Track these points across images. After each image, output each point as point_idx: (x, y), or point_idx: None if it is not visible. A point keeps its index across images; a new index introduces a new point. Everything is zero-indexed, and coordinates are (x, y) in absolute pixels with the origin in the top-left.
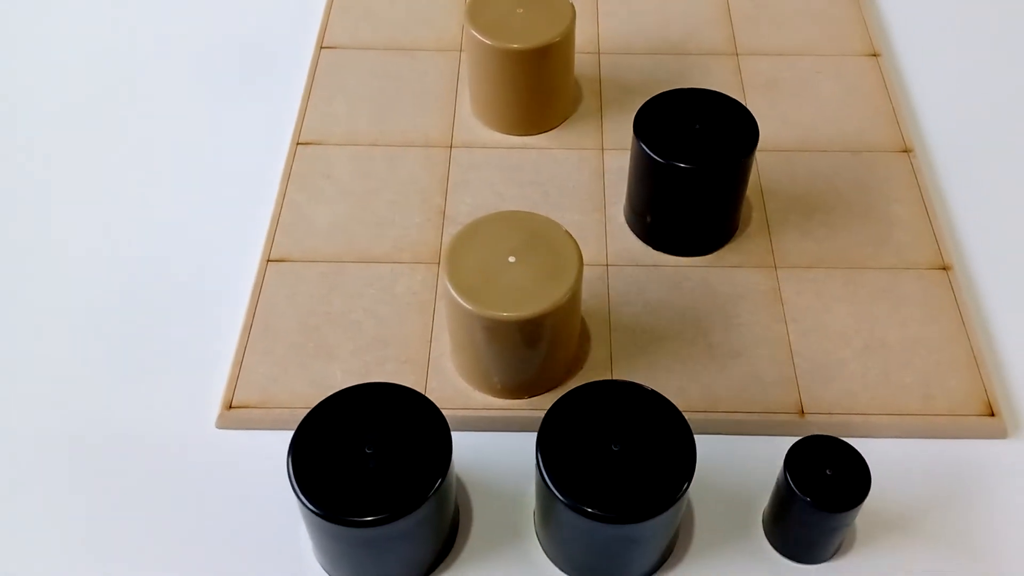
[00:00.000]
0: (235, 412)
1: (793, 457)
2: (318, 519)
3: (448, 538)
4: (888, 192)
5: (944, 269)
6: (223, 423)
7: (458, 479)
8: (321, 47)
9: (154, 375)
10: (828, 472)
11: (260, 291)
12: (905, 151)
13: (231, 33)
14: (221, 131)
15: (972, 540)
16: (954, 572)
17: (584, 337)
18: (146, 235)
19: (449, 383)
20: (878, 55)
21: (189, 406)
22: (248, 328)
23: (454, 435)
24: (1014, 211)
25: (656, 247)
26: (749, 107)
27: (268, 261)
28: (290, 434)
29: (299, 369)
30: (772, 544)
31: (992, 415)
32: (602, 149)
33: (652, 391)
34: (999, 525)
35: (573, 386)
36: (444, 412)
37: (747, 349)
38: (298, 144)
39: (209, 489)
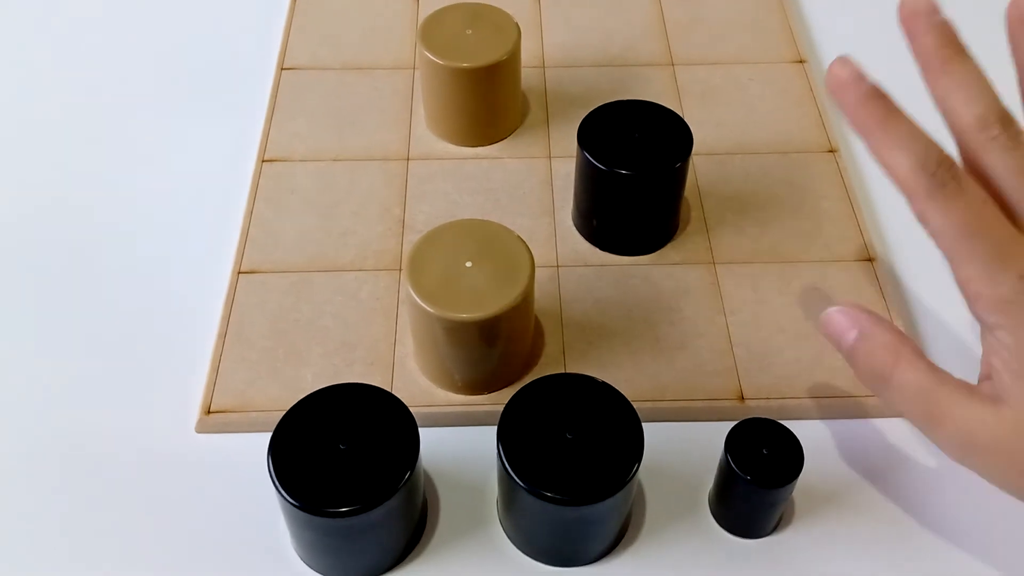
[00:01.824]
0: (213, 416)
1: (733, 439)
2: (297, 512)
3: (418, 527)
4: (816, 190)
5: (869, 260)
6: (202, 427)
7: (425, 472)
8: (282, 68)
9: (134, 383)
10: (765, 452)
11: (232, 302)
12: (831, 151)
13: (195, 57)
14: (189, 151)
15: (897, 510)
16: (882, 540)
17: (538, 334)
18: (121, 251)
19: (413, 382)
20: (805, 61)
21: (169, 412)
22: (223, 337)
23: (420, 431)
24: None
25: (603, 248)
26: (685, 114)
27: (239, 273)
28: (266, 435)
29: (272, 373)
30: (717, 521)
31: None
32: (549, 157)
33: (603, 383)
34: (921, 496)
35: (529, 380)
36: (410, 409)
37: (690, 341)
38: (263, 161)
39: (192, 490)
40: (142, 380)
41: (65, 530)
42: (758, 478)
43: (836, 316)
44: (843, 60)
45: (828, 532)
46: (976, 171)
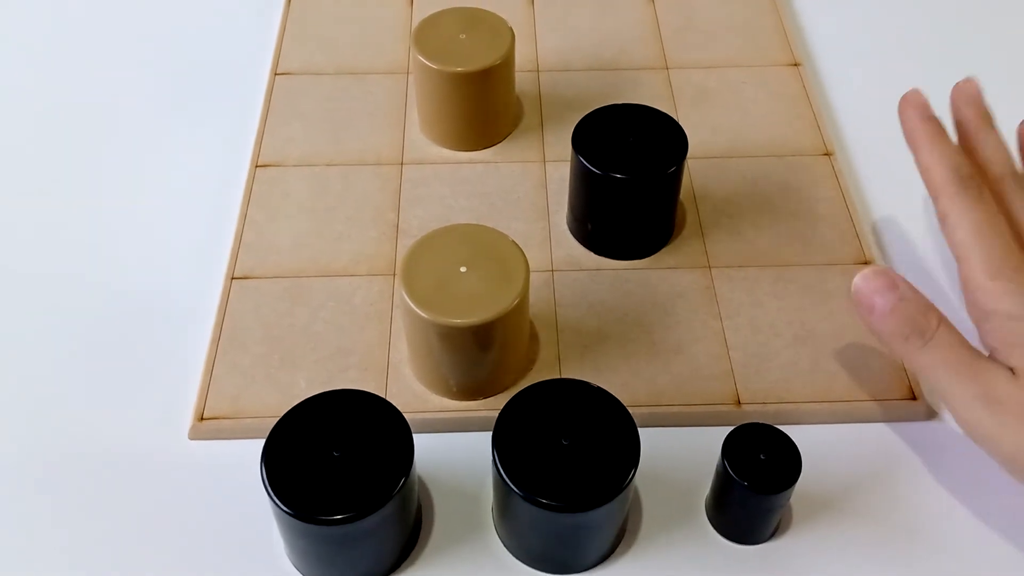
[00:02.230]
0: (206, 423)
1: (729, 445)
2: (291, 519)
3: (412, 534)
4: (812, 193)
5: (866, 264)
6: (195, 434)
7: (419, 479)
8: (275, 74)
9: (126, 389)
10: (762, 457)
11: (226, 307)
12: (826, 154)
13: (188, 62)
14: (182, 156)
15: (896, 515)
16: (880, 546)
17: (533, 339)
18: (114, 257)
19: (408, 388)
20: (799, 64)
21: (162, 419)
22: (216, 343)
23: (414, 437)
24: (928, 208)
25: (597, 252)
26: (680, 117)
27: (232, 278)
28: (259, 442)
29: (266, 380)
30: (714, 527)
31: (914, 399)
32: (544, 161)
33: (598, 388)
34: (920, 501)
35: (524, 386)
36: (404, 415)
37: (686, 345)
38: (257, 166)
39: (184, 497)
40: (135, 386)
41: (56, 538)
42: (755, 484)
43: (870, 281)
44: (915, 91)
45: (826, 538)
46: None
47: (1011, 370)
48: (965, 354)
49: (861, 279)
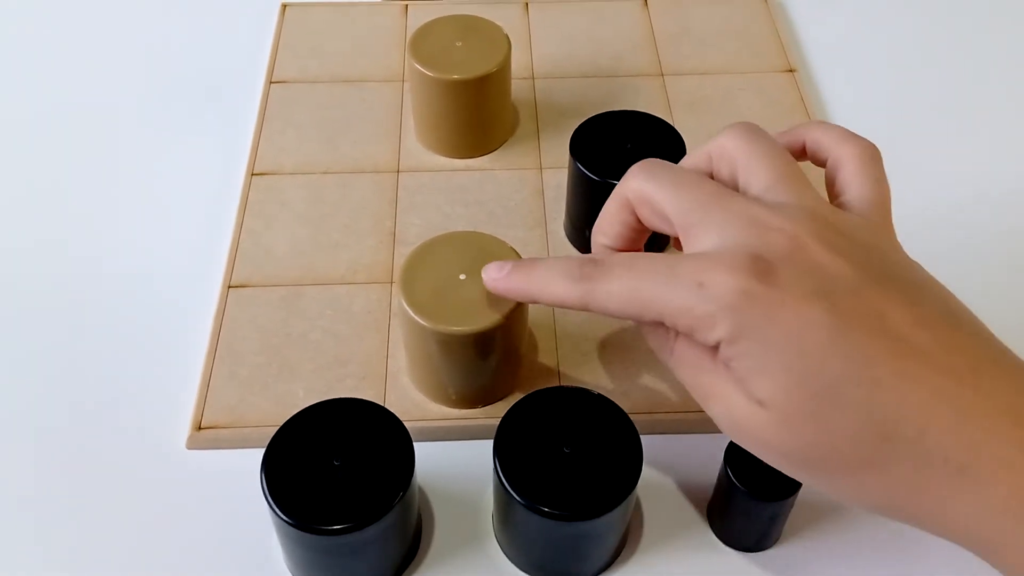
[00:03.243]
0: (204, 433)
1: (732, 452)
2: (290, 529)
3: (412, 544)
4: None
5: None
6: (193, 444)
7: (419, 487)
8: (271, 82)
9: (123, 399)
10: (765, 465)
11: (223, 316)
12: None
13: (183, 71)
14: (178, 165)
15: (900, 524)
16: (884, 553)
17: (532, 347)
18: (110, 265)
19: (407, 397)
20: (795, 71)
21: (159, 428)
22: (213, 352)
23: (414, 445)
24: (925, 214)
25: None
26: (676, 124)
27: (229, 287)
28: (257, 451)
29: (263, 389)
30: (717, 534)
31: None
32: (540, 168)
33: (599, 395)
34: None
35: (524, 394)
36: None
37: None
38: (253, 175)
39: (182, 507)
40: (132, 395)
41: (54, 548)
42: (758, 491)
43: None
44: (491, 266)
45: (830, 545)
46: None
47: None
48: (713, 372)
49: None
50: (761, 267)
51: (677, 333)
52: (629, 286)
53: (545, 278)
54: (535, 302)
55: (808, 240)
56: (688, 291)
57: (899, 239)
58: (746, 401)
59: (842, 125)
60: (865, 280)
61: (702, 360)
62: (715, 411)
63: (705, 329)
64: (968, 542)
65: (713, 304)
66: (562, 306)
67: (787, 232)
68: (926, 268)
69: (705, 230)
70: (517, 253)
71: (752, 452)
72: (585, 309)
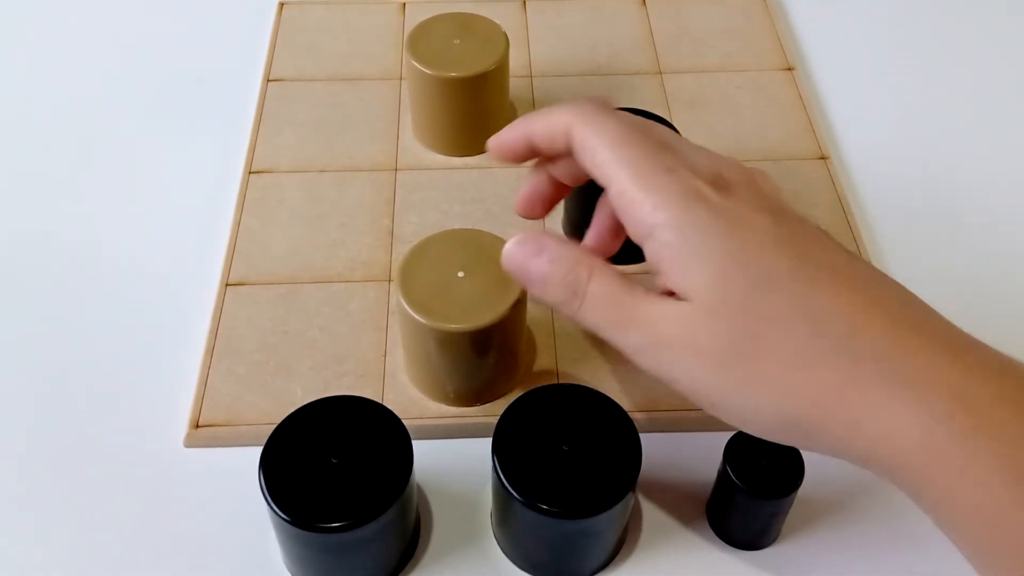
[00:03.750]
0: (202, 431)
1: (732, 449)
2: (288, 527)
3: (411, 542)
4: (808, 197)
5: None
6: (191, 442)
7: (417, 485)
8: (268, 80)
9: (120, 397)
10: (764, 462)
11: (220, 314)
12: (822, 158)
13: (181, 69)
14: (175, 164)
15: (899, 520)
16: (884, 551)
17: (530, 345)
18: (108, 264)
19: (404, 394)
20: (793, 69)
21: (157, 426)
22: (211, 350)
23: (412, 443)
24: (923, 210)
25: None
26: (675, 122)
27: (227, 285)
28: (255, 449)
29: (261, 387)
30: (716, 532)
31: None
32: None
33: (598, 393)
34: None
35: (522, 392)
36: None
37: None
38: (250, 173)
39: (180, 505)
40: (129, 393)
41: (51, 546)
42: (758, 489)
43: (520, 246)
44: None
45: (829, 543)
46: None
47: (673, 295)
48: (621, 300)
49: (512, 244)
50: (721, 183)
51: (590, 275)
52: (616, 135)
53: (542, 114)
54: (525, 141)
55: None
56: (655, 170)
57: (910, 238)
58: (668, 305)
59: (840, 124)
60: (809, 221)
61: (617, 291)
62: (632, 338)
63: (650, 208)
64: (889, 466)
65: (667, 190)
66: (548, 140)
67: (745, 172)
68: (934, 267)
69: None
70: None
71: (672, 371)
72: (566, 142)
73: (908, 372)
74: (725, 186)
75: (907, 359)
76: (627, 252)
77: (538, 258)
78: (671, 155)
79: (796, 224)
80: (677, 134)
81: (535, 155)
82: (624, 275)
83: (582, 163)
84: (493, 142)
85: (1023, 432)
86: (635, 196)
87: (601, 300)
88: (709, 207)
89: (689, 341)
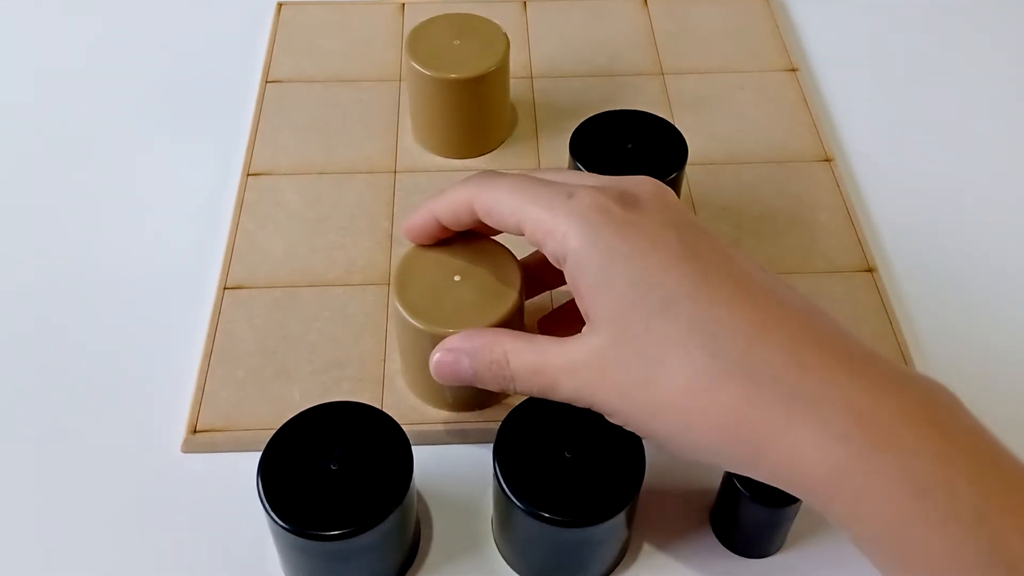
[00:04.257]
0: (199, 436)
1: None
2: (287, 534)
3: (411, 549)
4: (812, 200)
5: (869, 271)
6: (188, 447)
7: (417, 491)
8: (266, 81)
9: (117, 402)
10: None
11: (218, 318)
12: (826, 160)
13: (178, 70)
14: (174, 166)
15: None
16: None
17: None
18: (105, 267)
19: (404, 399)
20: (796, 70)
21: (154, 431)
22: (208, 354)
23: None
24: (929, 213)
25: None
26: (677, 124)
27: (224, 289)
28: (253, 455)
29: (259, 392)
30: (720, 540)
31: None
32: (539, 168)
33: None
34: None
35: (519, 398)
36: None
37: None
38: (248, 175)
39: (177, 511)
40: (126, 398)
41: (47, 552)
42: (763, 496)
43: (442, 357)
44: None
45: (834, 551)
46: None
47: (586, 333)
48: (542, 367)
49: (432, 363)
50: (628, 199)
51: (507, 359)
52: (514, 187)
53: (443, 195)
54: (435, 222)
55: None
56: (557, 198)
57: (914, 240)
58: (579, 342)
59: (844, 125)
60: (713, 233)
61: (533, 361)
62: (565, 389)
63: (559, 237)
64: (800, 487)
65: (574, 213)
66: (454, 217)
67: (652, 185)
68: (938, 269)
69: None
70: (512, 254)
71: (601, 404)
72: (471, 214)
73: (806, 390)
74: (632, 201)
75: (804, 376)
76: None
77: (458, 364)
78: (568, 183)
79: (701, 237)
80: (579, 169)
81: (446, 233)
82: (531, 336)
83: (494, 225)
84: (404, 228)
85: (921, 447)
86: (547, 226)
87: (526, 375)
88: (615, 224)
89: (600, 372)
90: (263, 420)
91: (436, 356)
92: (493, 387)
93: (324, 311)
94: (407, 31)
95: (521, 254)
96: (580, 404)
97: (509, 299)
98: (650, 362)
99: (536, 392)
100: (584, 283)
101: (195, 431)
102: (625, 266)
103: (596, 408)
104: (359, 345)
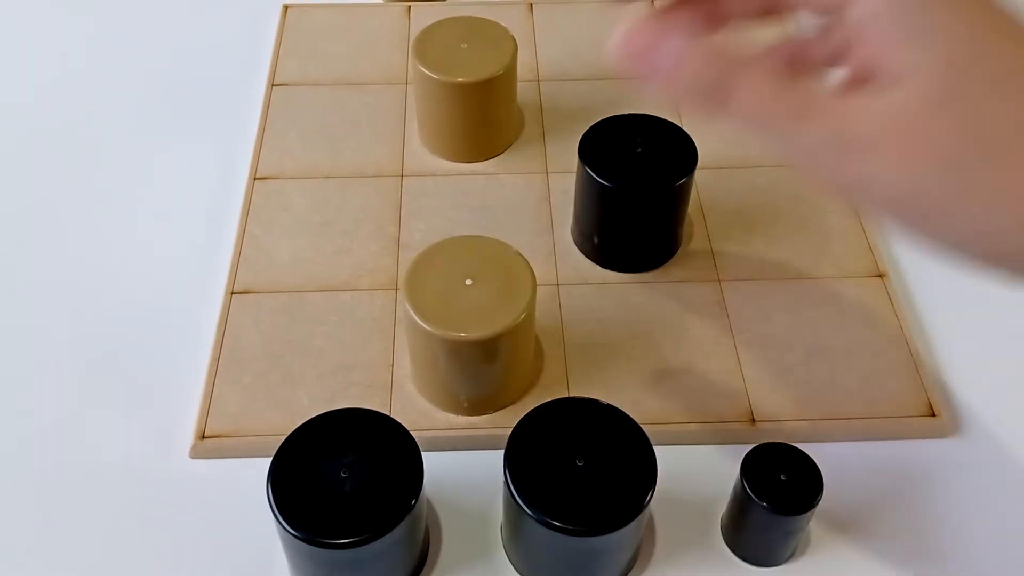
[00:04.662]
0: (208, 442)
1: (749, 464)
2: (297, 542)
3: (420, 556)
4: (823, 204)
5: (880, 277)
6: (196, 453)
7: (427, 498)
8: (273, 85)
9: (126, 408)
10: (783, 478)
11: (226, 323)
12: None
13: (184, 74)
14: (180, 170)
15: (919, 535)
16: (903, 567)
17: (539, 353)
18: (112, 272)
19: (413, 405)
20: None
21: (162, 437)
22: (216, 360)
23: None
24: None
25: (604, 265)
26: (685, 126)
27: (232, 294)
28: (261, 460)
29: (267, 397)
30: (731, 549)
31: (933, 415)
32: (546, 173)
33: (611, 406)
34: (943, 519)
35: (531, 401)
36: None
37: (696, 360)
38: (255, 179)
39: (185, 516)
40: (134, 403)
41: (55, 557)
42: (776, 504)
43: (639, 34)
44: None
45: (847, 559)
46: None
47: (884, 88)
48: (793, 83)
49: (621, 48)
50: None
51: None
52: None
53: None
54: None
55: None
56: None
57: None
58: (867, 96)
59: None
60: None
61: (785, 71)
62: (809, 136)
63: None
64: None
65: None
66: None
67: None
68: (952, 275)
69: None
70: (524, 258)
71: (866, 179)
72: None
73: None
74: None
75: None
76: (630, 255)
77: (670, 42)
78: None
79: (1013, 17)
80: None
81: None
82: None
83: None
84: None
85: None
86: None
87: (765, 82)
88: None
89: (899, 139)
90: (271, 425)
91: (630, 32)
92: (697, 84)
93: (331, 316)
94: (413, 34)
95: (536, 249)
96: (817, 171)
97: (521, 303)
98: (980, 138)
99: (760, 114)
100: (885, 27)
101: (203, 436)
102: (947, 19)
103: (848, 183)
104: (367, 350)
